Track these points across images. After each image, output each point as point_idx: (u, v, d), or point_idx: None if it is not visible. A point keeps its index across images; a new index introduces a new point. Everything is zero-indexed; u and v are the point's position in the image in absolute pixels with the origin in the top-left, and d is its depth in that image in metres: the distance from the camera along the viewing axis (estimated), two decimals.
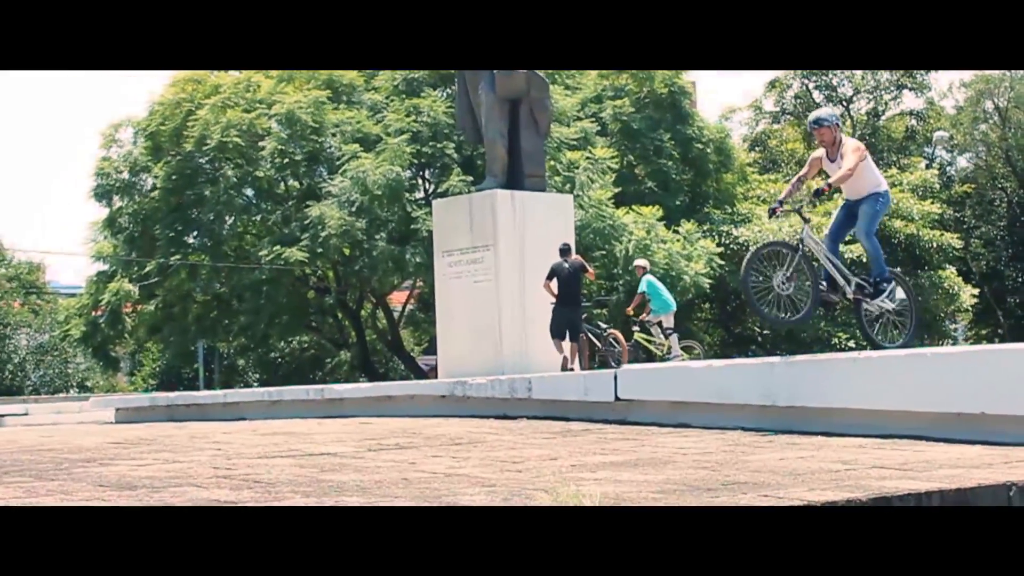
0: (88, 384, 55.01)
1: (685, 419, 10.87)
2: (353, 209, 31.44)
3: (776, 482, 6.42)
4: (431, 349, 41.71)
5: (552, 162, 31.14)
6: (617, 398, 11.56)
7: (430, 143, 33.43)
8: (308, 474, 7.41)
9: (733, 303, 43.25)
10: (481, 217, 18.28)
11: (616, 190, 34.22)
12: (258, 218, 36.62)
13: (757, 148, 54.40)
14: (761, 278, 11.06)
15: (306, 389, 17.14)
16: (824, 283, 11.33)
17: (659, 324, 21.52)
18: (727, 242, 38.86)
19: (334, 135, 33.73)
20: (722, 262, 36.46)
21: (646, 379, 11.68)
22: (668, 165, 39.02)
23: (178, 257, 35.22)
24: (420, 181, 36.15)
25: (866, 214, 11.26)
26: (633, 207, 34.69)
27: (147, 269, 35.54)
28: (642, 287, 21.31)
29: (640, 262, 22.21)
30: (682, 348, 21.63)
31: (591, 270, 18.39)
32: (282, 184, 35.77)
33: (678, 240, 34.63)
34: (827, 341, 38.96)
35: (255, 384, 48.41)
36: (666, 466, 7.48)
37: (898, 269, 10.81)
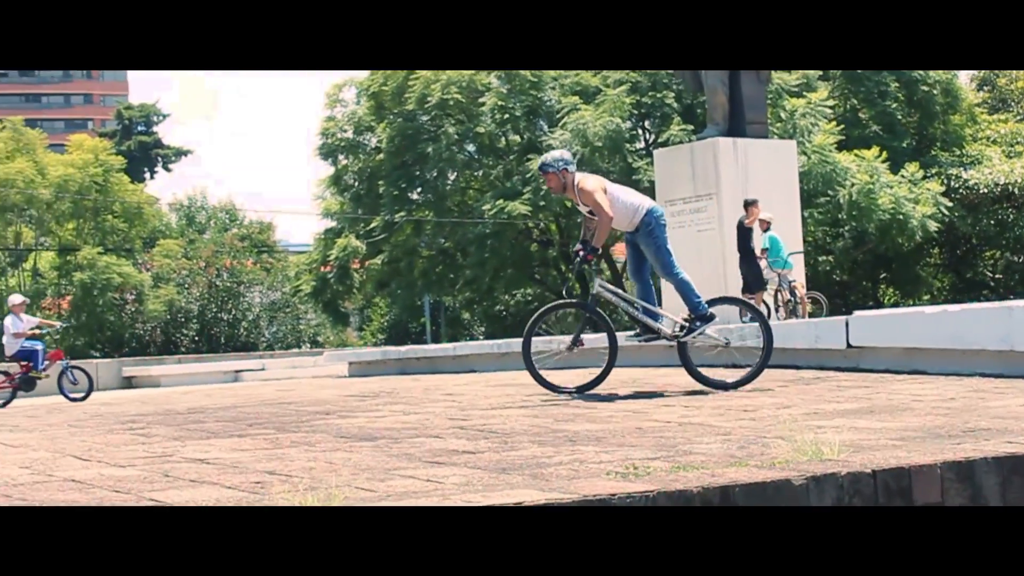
0: (319, 339, 56.43)
1: (919, 366, 10.65)
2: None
3: (1021, 428, 6.26)
4: None
5: (774, 108, 30.72)
6: (849, 345, 11.40)
7: (649, 93, 33.33)
8: (542, 424, 7.51)
9: (963, 247, 42.18)
10: (703, 166, 18.17)
11: (840, 137, 33.60)
12: (480, 173, 37.13)
13: (986, 88, 52.74)
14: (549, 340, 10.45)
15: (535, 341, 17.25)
16: (637, 330, 10.54)
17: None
18: (956, 185, 37.84)
19: (553, 88, 33.88)
20: (950, 204, 35.53)
21: (879, 326, 11.47)
22: (893, 108, 38.22)
23: (403, 213, 35.88)
24: (640, 131, 36.05)
25: (649, 249, 10.26)
26: (856, 151, 34.03)
27: (372, 225, 36.33)
28: (765, 243, 19.60)
29: (765, 215, 20.27)
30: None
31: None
32: (503, 139, 36.09)
33: (903, 183, 33.83)
34: None
35: (480, 337, 49.03)
36: (903, 413, 7.36)
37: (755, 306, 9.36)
